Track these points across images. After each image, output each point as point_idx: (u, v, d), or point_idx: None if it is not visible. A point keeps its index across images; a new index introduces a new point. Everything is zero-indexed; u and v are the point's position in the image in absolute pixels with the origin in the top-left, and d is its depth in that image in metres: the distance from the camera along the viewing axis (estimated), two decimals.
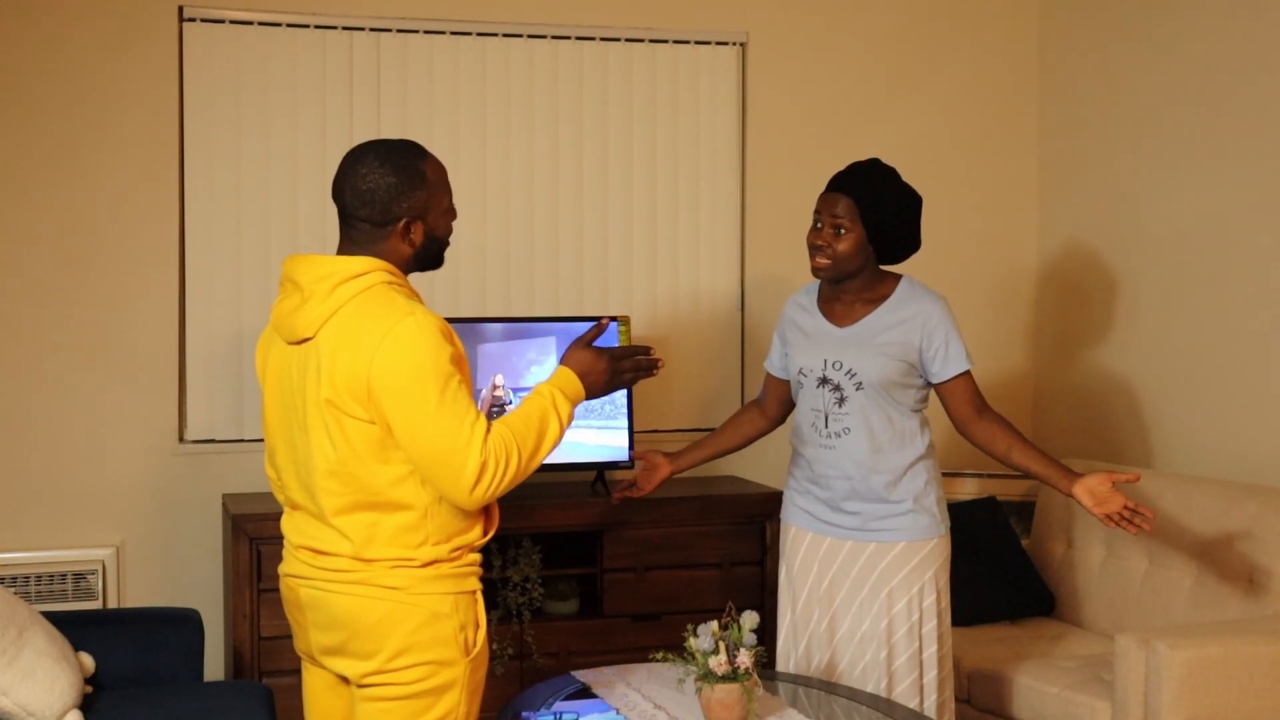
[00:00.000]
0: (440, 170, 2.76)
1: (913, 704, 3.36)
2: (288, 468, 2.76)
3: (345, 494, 2.63)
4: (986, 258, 5.19)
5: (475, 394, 2.79)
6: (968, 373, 3.42)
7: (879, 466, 3.39)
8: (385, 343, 2.56)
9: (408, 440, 2.59)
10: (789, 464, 3.62)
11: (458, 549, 2.69)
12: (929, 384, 3.46)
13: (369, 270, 2.64)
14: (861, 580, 3.41)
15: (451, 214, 2.78)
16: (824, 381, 3.42)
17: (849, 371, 3.39)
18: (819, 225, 3.41)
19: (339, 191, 2.70)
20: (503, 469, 2.61)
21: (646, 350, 2.91)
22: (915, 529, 3.40)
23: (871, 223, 3.36)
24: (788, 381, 3.61)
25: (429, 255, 2.76)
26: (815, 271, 3.44)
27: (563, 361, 2.82)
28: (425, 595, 2.65)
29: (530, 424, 2.68)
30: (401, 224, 2.68)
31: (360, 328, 2.59)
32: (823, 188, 3.48)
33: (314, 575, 2.70)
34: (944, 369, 3.41)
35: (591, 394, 2.81)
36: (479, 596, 2.73)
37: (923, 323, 3.39)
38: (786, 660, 3.54)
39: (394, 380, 2.56)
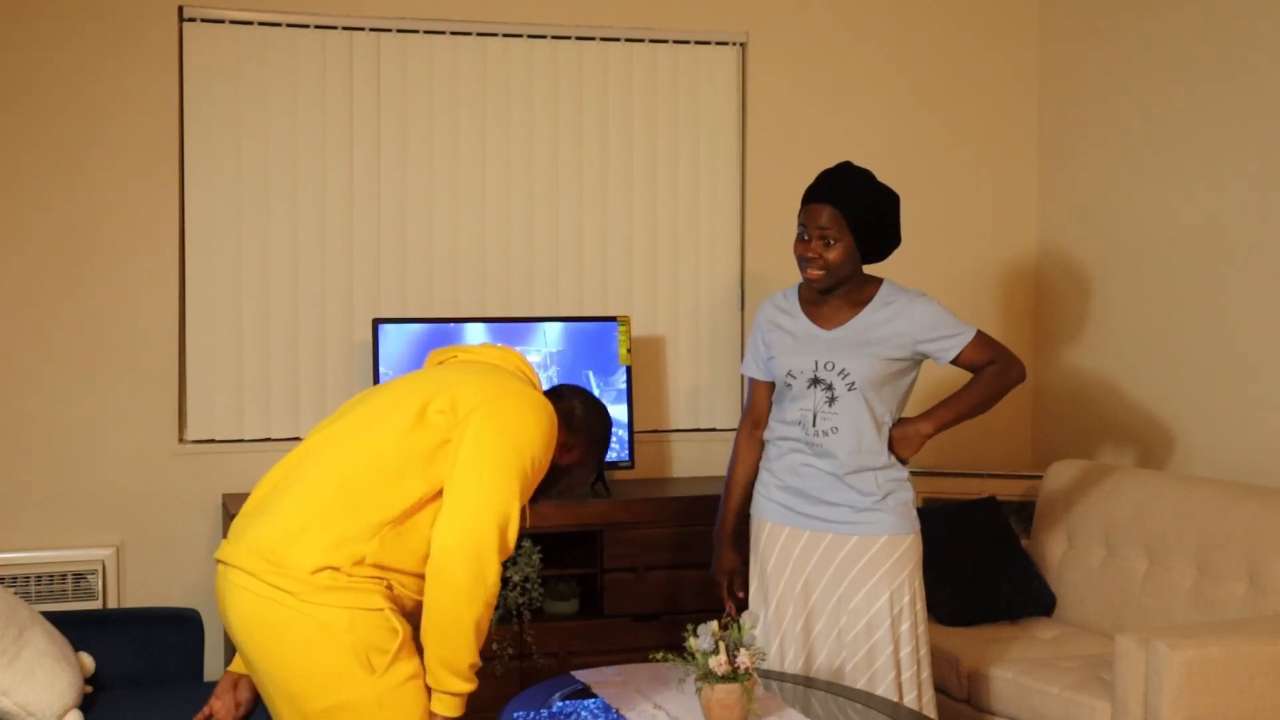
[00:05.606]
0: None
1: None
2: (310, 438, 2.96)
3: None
4: (986, 256, 5.19)
5: None
6: (973, 340, 3.44)
7: (864, 463, 3.42)
8: (510, 394, 2.86)
9: (466, 463, 2.76)
10: (762, 461, 3.61)
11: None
12: (913, 383, 3.51)
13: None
14: (841, 575, 3.42)
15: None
16: (815, 382, 3.44)
17: (841, 371, 3.40)
18: (806, 237, 3.41)
19: None
20: (498, 554, 2.76)
21: None
22: (897, 523, 3.42)
23: (858, 228, 3.37)
24: (773, 383, 3.59)
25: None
26: (810, 283, 3.45)
27: None
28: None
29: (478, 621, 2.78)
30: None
31: (499, 381, 2.90)
32: None
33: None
34: (948, 348, 3.43)
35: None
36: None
37: (909, 314, 3.42)
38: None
39: (496, 419, 2.79)
